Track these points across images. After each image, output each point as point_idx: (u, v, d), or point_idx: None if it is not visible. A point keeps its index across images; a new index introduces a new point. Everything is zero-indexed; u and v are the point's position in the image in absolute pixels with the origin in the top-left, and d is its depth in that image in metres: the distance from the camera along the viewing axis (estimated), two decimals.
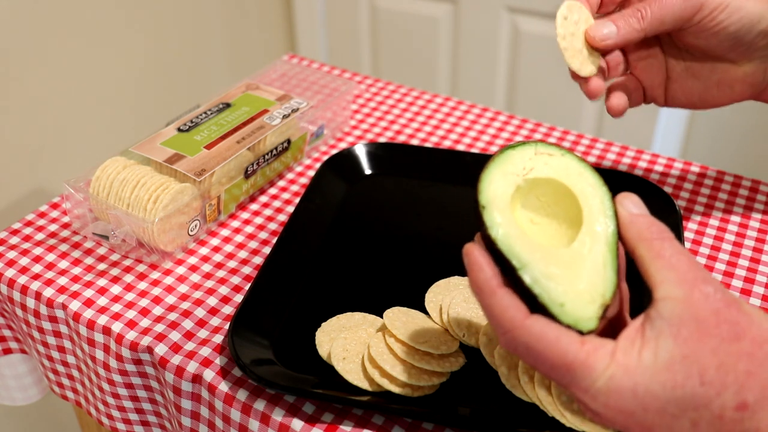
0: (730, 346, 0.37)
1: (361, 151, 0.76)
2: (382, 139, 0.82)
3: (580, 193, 0.44)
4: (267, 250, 0.68)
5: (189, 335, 0.59)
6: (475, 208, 0.42)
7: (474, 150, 0.80)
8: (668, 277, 0.39)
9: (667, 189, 0.73)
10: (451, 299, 0.56)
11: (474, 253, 0.41)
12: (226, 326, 0.60)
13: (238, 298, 0.63)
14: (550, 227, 0.45)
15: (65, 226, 0.70)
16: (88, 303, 0.62)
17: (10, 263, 0.66)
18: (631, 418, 0.39)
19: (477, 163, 0.74)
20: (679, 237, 0.63)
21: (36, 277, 0.64)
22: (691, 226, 0.69)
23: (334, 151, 0.79)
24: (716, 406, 0.37)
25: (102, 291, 0.63)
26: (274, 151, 0.72)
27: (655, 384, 0.38)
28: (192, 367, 0.56)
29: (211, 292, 0.63)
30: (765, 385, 0.37)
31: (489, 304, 0.40)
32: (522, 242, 0.41)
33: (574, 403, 0.47)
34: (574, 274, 0.41)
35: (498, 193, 0.43)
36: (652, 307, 0.39)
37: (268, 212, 0.72)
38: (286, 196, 0.74)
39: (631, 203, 0.43)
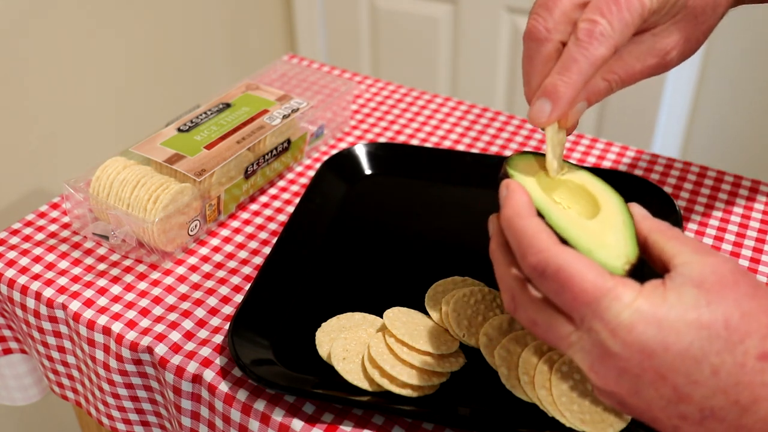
0: (751, 301, 0.38)
1: (361, 151, 0.76)
2: (382, 139, 0.82)
3: (599, 194, 0.47)
4: (267, 250, 0.68)
5: (189, 335, 0.59)
6: (504, 176, 0.46)
7: (474, 150, 0.80)
8: (684, 249, 0.40)
9: (667, 189, 0.73)
10: (451, 299, 0.56)
11: (512, 183, 0.43)
12: (226, 326, 0.60)
13: (238, 298, 0.63)
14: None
15: (65, 226, 0.70)
16: (88, 303, 0.62)
17: (10, 263, 0.66)
18: (648, 361, 0.37)
19: (477, 163, 0.74)
20: None
21: (36, 277, 0.64)
22: (691, 226, 0.69)
23: (334, 151, 0.79)
24: (739, 352, 0.37)
25: (102, 291, 0.63)
26: (274, 151, 0.72)
27: (680, 322, 0.37)
28: (192, 367, 0.56)
29: (211, 292, 0.63)
30: None
31: (524, 225, 0.41)
32: (551, 205, 0.44)
33: (574, 404, 0.47)
34: (600, 236, 0.43)
35: (527, 171, 0.47)
36: (671, 271, 0.40)
37: (268, 212, 0.72)
38: (286, 196, 0.74)
39: (641, 209, 0.45)
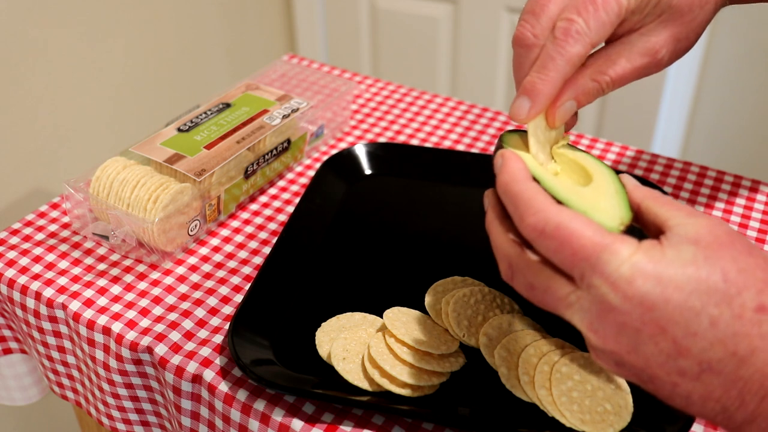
0: (748, 257, 0.38)
1: (361, 151, 0.76)
2: (382, 139, 0.82)
3: (591, 166, 0.47)
4: (267, 250, 0.68)
5: (189, 335, 0.59)
6: (499, 147, 0.46)
7: (474, 150, 0.80)
8: (678, 213, 0.41)
9: (667, 189, 0.73)
10: (451, 299, 0.56)
11: (507, 152, 0.44)
12: (226, 326, 0.60)
13: (238, 298, 0.63)
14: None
15: (65, 226, 0.70)
16: (88, 303, 0.62)
17: (10, 263, 0.66)
18: (648, 314, 0.38)
19: (477, 163, 0.74)
20: None
21: (36, 277, 0.64)
22: None
23: (334, 151, 0.79)
24: (737, 304, 0.37)
25: (102, 291, 0.63)
26: (274, 151, 0.72)
27: (679, 275, 0.38)
28: (192, 367, 0.56)
29: (211, 292, 0.63)
30: None
31: (521, 189, 0.41)
32: (545, 173, 0.45)
33: (574, 404, 0.47)
34: (594, 200, 0.44)
35: (521, 147, 0.48)
36: (667, 232, 0.40)
37: (268, 212, 0.72)
38: (286, 196, 0.74)
39: (632, 179, 0.46)
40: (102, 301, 0.62)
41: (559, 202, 0.42)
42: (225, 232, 0.70)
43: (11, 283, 0.64)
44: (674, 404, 0.40)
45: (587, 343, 0.41)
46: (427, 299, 0.58)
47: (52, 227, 0.70)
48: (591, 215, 0.41)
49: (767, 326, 0.37)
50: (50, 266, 0.65)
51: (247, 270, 0.65)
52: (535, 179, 0.43)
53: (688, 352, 0.38)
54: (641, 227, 0.44)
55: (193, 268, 0.66)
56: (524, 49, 0.48)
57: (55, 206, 0.73)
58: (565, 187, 0.44)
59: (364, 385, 0.52)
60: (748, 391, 0.37)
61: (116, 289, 0.63)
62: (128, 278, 0.64)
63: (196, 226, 0.67)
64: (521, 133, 0.50)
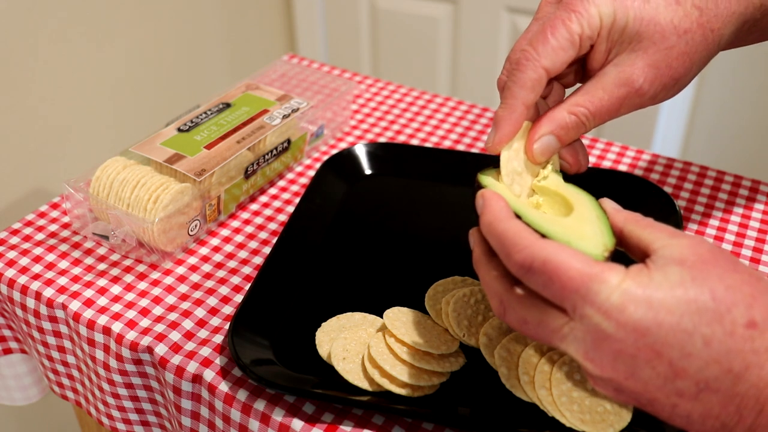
0: (733, 274, 0.39)
1: (361, 151, 0.76)
2: (382, 139, 0.82)
3: (571, 195, 0.48)
4: (267, 250, 0.68)
5: (189, 335, 0.59)
6: (478, 188, 0.47)
7: (474, 150, 0.80)
8: (660, 235, 0.42)
9: (667, 189, 0.73)
10: (451, 299, 0.56)
11: (487, 192, 0.45)
12: (226, 326, 0.60)
13: (238, 298, 0.63)
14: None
15: (65, 226, 0.70)
16: (88, 303, 0.62)
17: (10, 263, 0.66)
18: (642, 339, 0.38)
19: (477, 163, 0.74)
20: None
21: (36, 277, 0.64)
22: (691, 226, 0.69)
23: (334, 151, 0.79)
24: (728, 321, 0.38)
25: (102, 291, 0.63)
26: (274, 151, 0.72)
27: (669, 298, 0.38)
28: (192, 367, 0.56)
29: (211, 292, 0.63)
30: None
31: (505, 228, 0.42)
32: (526, 207, 0.46)
33: (574, 404, 0.47)
34: (576, 230, 0.44)
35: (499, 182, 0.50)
36: (652, 255, 0.41)
37: (268, 212, 0.72)
38: (286, 196, 0.74)
39: (613, 203, 0.47)
40: (102, 301, 0.62)
41: (543, 235, 0.42)
42: (225, 232, 0.70)
43: (11, 283, 0.64)
44: (675, 424, 0.40)
45: (585, 372, 0.41)
46: (427, 299, 0.58)
47: (52, 227, 0.70)
48: (575, 245, 0.42)
49: (759, 341, 0.38)
50: (50, 266, 0.65)
51: (247, 270, 0.65)
52: (517, 215, 0.44)
53: (684, 373, 0.38)
54: (625, 251, 0.45)
55: (193, 268, 0.66)
56: (500, 92, 0.51)
57: (55, 206, 0.73)
58: (547, 220, 0.45)
59: (364, 385, 0.52)
60: (745, 407, 0.38)
61: (116, 289, 0.63)
62: (128, 278, 0.64)
63: (196, 226, 0.67)
64: (497, 168, 0.51)
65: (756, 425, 0.38)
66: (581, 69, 0.53)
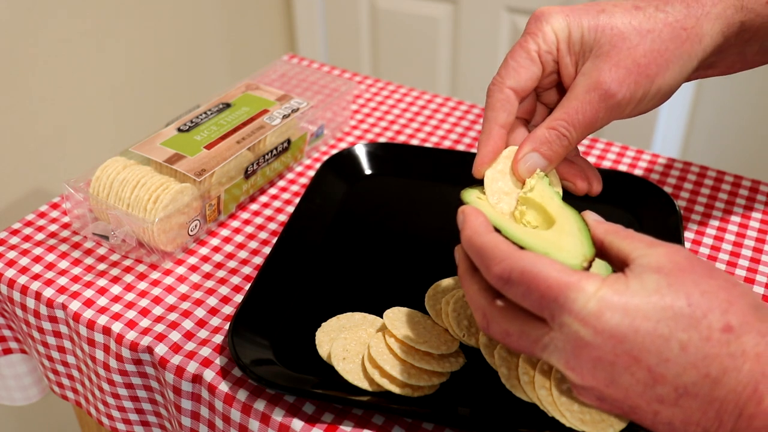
0: (709, 280, 0.40)
1: (361, 151, 0.76)
2: (382, 139, 0.82)
3: (554, 209, 0.49)
4: (267, 250, 0.68)
5: (189, 335, 0.59)
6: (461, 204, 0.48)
7: (474, 150, 0.80)
8: (639, 245, 0.43)
9: (667, 189, 0.73)
10: (451, 299, 0.56)
11: (467, 208, 0.46)
12: (226, 326, 0.60)
13: (238, 298, 0.63)
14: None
15: (65, 226, 0.70)
16: (88, 303, 0.62)
17: (10, 263, 0.66)
18: (620, 345, 0.39)
19: None
20: (679, 237, 0.63)
21: (36, 277, 0.64)
22: (691, 226, 0.69)
23: (334, 151, 0.79)
24: (704, 326, 0.38)
25: (102, 291, 0.63)
26: (274, 151, 0.73)
27: (645, 304, 0.39)
28: (192, 367, 0.56)
29: (211, 292, 0.63)
30: (745, 312, 0.39)
31: (484, 242, 0.43)
32: (507, 221, 0.48)
33: (574, 404, 0.47)
34: (556, 241, 0.45)
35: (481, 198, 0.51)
36: (630, 264, 0.42)
37: (268, 212, 0.72)
38: (286, 196, 0.74)
39: (595, 215, 0.47)
40: (102, 301, 0.62)
41: (522, 247, 0.43)
42: (225, 232, 0.70)
43: (11, 283, 0.64)
44: None
45: (569, 381, 0.42)
46: (427, 299, 0.58)
47: (52, 227, 0.70)
48: (554, 256, 0.43)
49: (735, 345, 0.38)
50: (50, 266, 0.65)
51: (247, 270, 0.65)
52: (496, 229, 0.45)
53: (663, 378, 0.39)
54: (607, 262, 0.46)
55: (193, 268, 0.66)
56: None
57: (55, 206, 0.73)
58: (527, 233, 0.46)
59: (364, 385, 0.52)
60: (724, 411, 0.39)
61: (116, 289, 0.63)
62: (128, 278, 0.64)
63: (196, 226, 0.67)
64: (480, 186, 0.52)
65: (736, 429, 0.38)
66: (561, 89, 0.54)
